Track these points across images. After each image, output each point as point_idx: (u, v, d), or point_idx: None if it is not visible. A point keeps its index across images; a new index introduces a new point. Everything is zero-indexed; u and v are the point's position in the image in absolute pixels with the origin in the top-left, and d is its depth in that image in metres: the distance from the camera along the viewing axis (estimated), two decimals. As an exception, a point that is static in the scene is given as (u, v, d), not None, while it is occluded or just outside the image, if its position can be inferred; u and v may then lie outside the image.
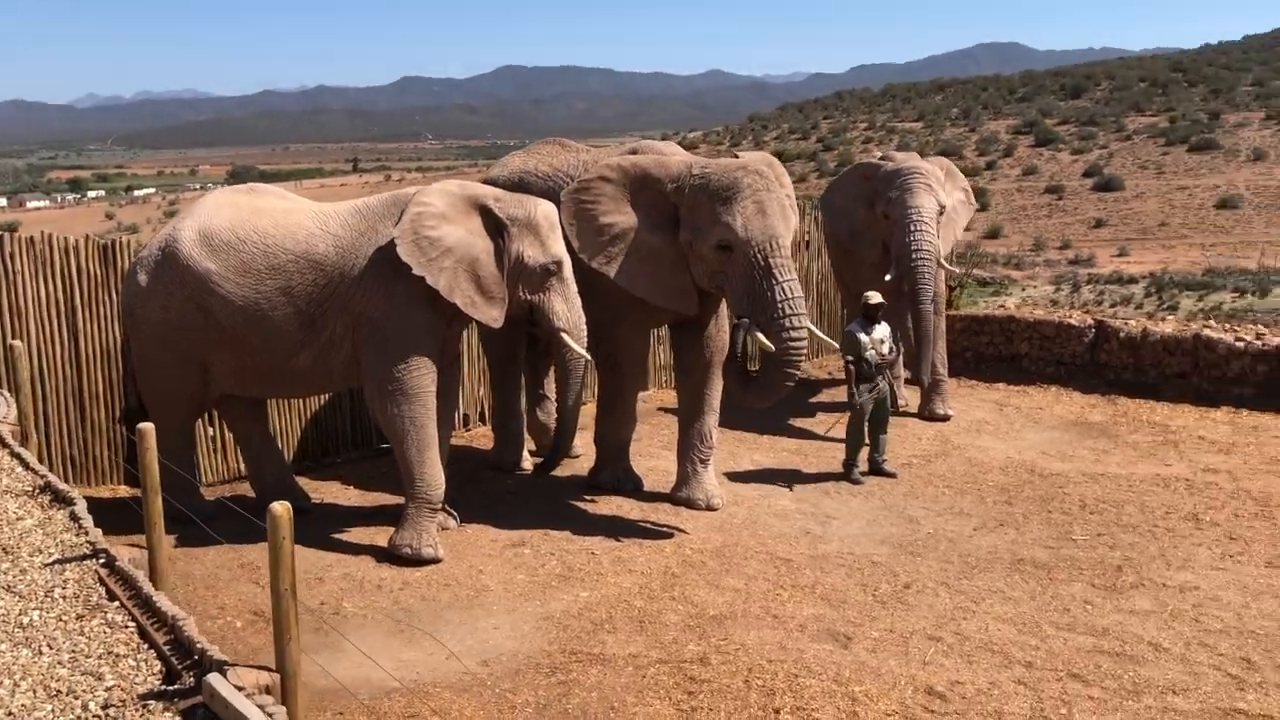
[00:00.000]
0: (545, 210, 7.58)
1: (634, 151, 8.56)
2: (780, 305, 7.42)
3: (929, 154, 13.11)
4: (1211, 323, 12.27)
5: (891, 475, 9.27)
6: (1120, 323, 12.07)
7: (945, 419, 11.01)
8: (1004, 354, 12.66)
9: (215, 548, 7.51)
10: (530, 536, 7.88)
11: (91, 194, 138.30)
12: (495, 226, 7.48)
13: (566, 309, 7.60)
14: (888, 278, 10.64)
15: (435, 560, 7.36)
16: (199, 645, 3.82)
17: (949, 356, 12.29)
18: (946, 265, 10.81)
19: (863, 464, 9.31)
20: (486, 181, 8.84)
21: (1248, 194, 56.36)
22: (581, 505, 8.60)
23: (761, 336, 7.49)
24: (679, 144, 8.51)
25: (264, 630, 6.22)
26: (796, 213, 7.90)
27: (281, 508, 3.79)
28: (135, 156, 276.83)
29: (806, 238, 13.59)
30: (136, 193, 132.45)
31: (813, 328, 7.82)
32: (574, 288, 7.66)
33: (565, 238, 7.77)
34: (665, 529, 8.03)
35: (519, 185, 8.57)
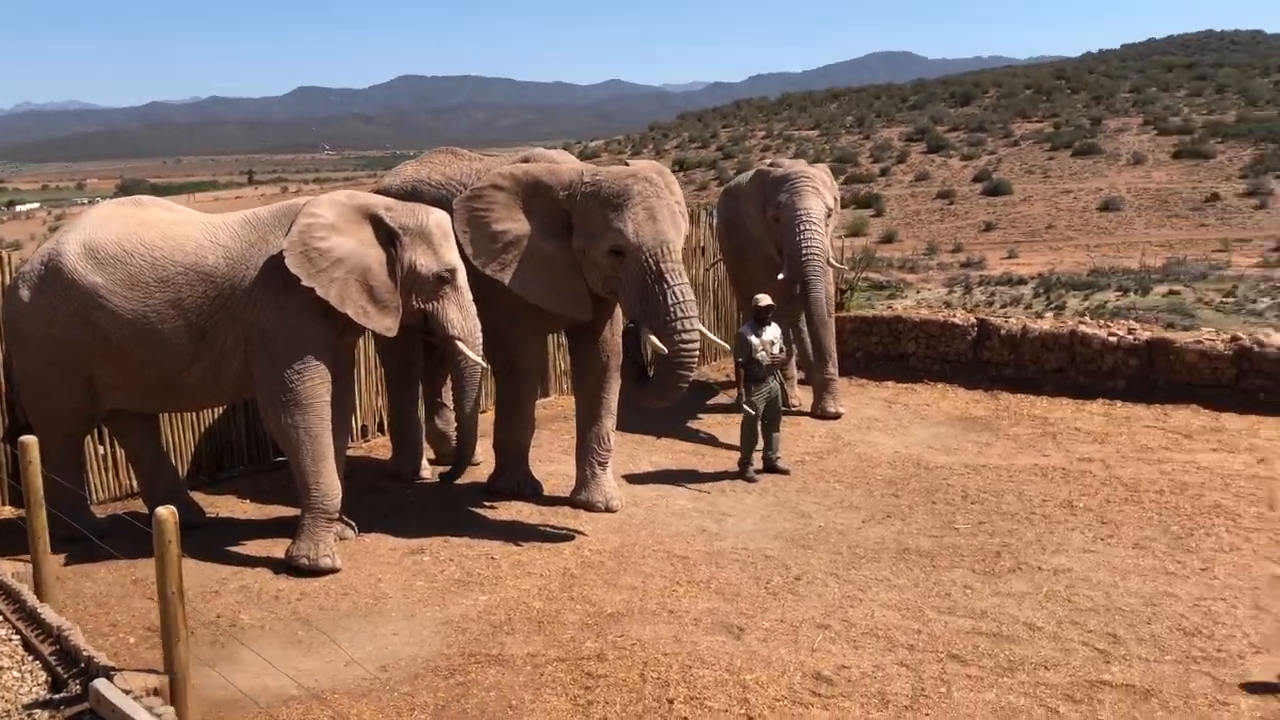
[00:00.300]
0: (438, 219, 7.66)
1: (526, 160, 8.69)
2: (672, 309, 7.61)
3: (825, 161, 13.50)
4: (1086, 319, 12.85)
5: (785, 472, 9.53)
6: (1001, 321, 12.58)
7: (837, 417, 11.34)
8: (892, 353, 13.07)
9: (107, 564, 7.40)
10: (429, 544, 7.93)
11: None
12: (387, 236, 7.53)
13: (461, 317, 7.68)
14: (780, 276, 10.95)
15: (333, 570, 7.37)
16: (85, 653, 3.84)
17: (840, 357, 12.66)
18: (835, 264, 11.15)
19: (758, 462, 9.56)
20: (380, 191, 8.88)
21: (1129, 196, 58.78)
22: (481, 511, 8.67)
23: (654, 339, 7.68)
24: (579, 153, 8.70)
25: (158, 646, 6.07)
26: (686, 219, 8.10)
27: (167, 512, 3.84)
28: (18, 170, 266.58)
29: (703, 244, 13.84)
30: (19, 208, 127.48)
31: (705, 330, 8.04)
32: (468, 295, 7.75)
33: (459, 245, 7.85)
34: (564, 532, 8.15)
35: (412, 194, 8.62)
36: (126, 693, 3.45)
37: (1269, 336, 11.15)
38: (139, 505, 8.59)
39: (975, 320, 12.60)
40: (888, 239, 55.11)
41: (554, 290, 8.04)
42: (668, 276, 7.63)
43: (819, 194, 10.98)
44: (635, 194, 7.69)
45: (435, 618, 6.67)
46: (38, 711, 3.59)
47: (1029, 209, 60.05)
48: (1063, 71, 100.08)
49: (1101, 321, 12.60)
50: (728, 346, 10.23)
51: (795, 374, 12.17)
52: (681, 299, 7.63)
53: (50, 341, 7.48)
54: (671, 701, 5.51)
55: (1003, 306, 30.12)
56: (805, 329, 11.74)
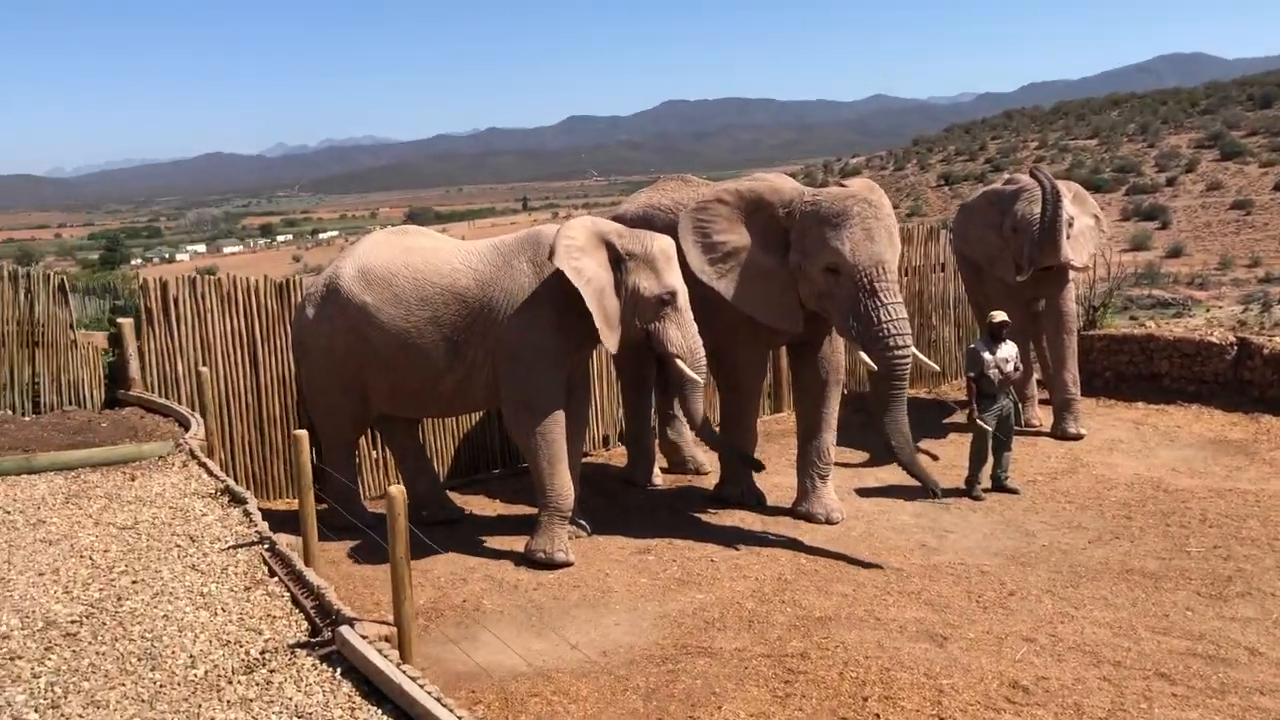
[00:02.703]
0: (661, 245, 8.21)
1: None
2: (885, 325, 7.83)
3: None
4: (1367, 338, 11.86)
5: (1014, 491, 9.44)
6: (1265, 340, 11.83)
7: (1078, 438, 11.05)
8: (1144, 373, 12.53)
9: (375, 552, 8.37)
10: (655, 544, 8.46)
11: (280, 238, 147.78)
12: (616, 260, 8.15)
13: (681, 336, 8.17)
14: (1019, 279, 10.84)
15: (566, 564, 8.03)
16: (335, 607, 4.62)
17: (1088, 376, 12.32)
18: (1074, 265, 10.87)
19: (986, 481, 9.52)
20: (616, 216, 9.56)
21: None
22: (705, 517, 9.14)
23: (865, 356, 7.90)
24: (840, 169, 9.04)
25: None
26: (898, 239, 8.27)
27: (397, 490, 4.58)
28: (320, 202, 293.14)
29: (942, 260, 13.81)
30: (321, 236, 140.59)
31: (916, 352, 8.16)
32: (689, 316, 8.22)
33: (681, 255, 8.35)
34: (783, 539, 8.48)
35: (644, 220, 9.24)
36: (364, 638, 4.17)
37: None
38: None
39: (1235, 339, 11.91)
40: (1174, 253, 51.48)
41: (767, 302, 8.42)
42: (881, 294, 7.85)
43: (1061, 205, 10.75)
44: (854, 214, 7.96)
45: (654, 612, 7.17)
46: (299, 650, 4.43)
47: (1338, 219, 54.59)
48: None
49: (1385, 340, 11.61)
50: (937, 368, 10.25)
51: (1035, 393, 11.95)
52: (894, 316, 7.83)
53: (330, 353, 8.58)
54: (866, 699, 5.74)
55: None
56: (1046, 345, 11.54)
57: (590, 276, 7.98)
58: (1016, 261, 10.97)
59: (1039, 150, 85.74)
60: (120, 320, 9.91)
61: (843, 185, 8.41)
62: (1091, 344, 12.84)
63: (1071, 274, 11.15)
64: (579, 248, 8.04)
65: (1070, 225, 10.84)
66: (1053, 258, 10.59)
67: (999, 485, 9.55)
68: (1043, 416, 11.67)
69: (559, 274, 7.93)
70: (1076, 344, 11.48)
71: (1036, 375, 12.15)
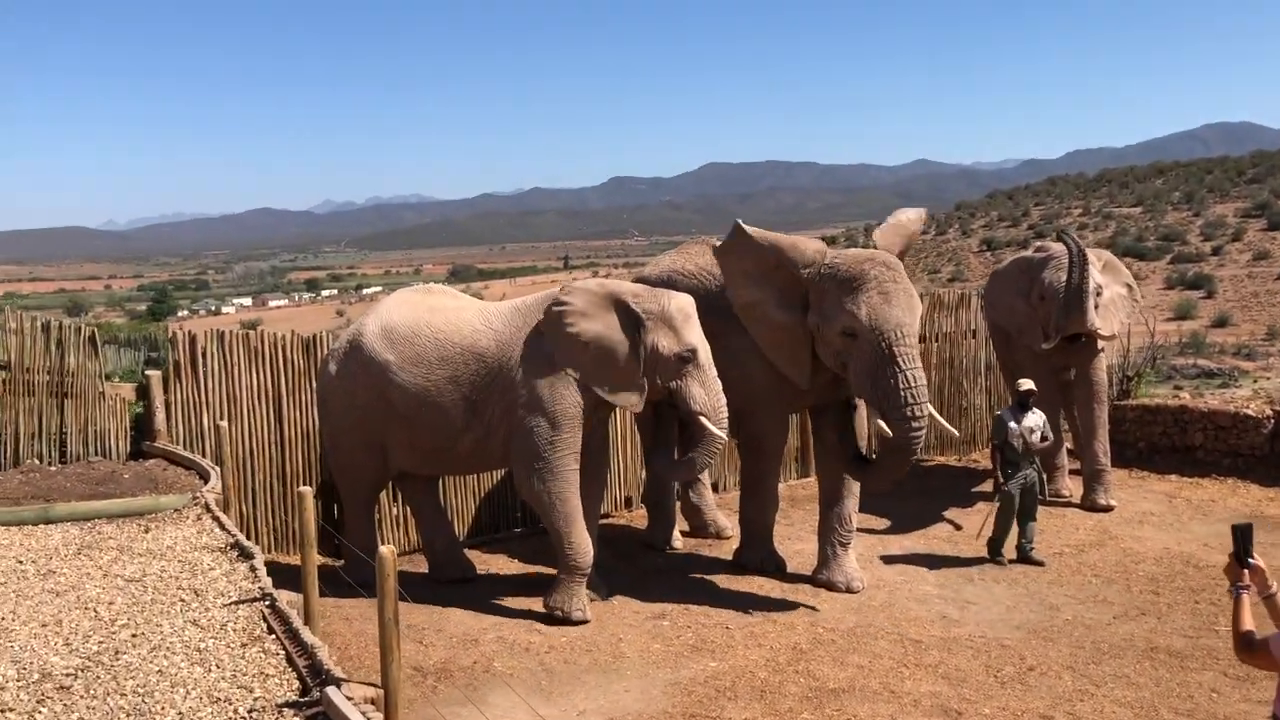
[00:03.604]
0: (680, 303, 8.19)
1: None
2: (902, 393, 7.72)
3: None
4: None
5: (1039, 564, 9.25)
6: (1304, 412, 11.57)
7: (1107, 509, 10.83)
8: (1178, 445, 12.29)
9: (387, 610, 8.31)
10: (670, 610, 8.35)
11: (325, 293, 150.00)
12: (632, 320, 8.14)
13: (704, 393, 8.11)
14: (1045, 346, 10.70)
15: (583, 622, 7.96)
16: (326, 667, 4.58)
17: (1120, 447, 12.11)
18: (1100, 333, 10.69)
19: (1011, 552, 9.35)
20: (639, 279, 9.57)
21: None
22: (723, 583, 9.01)
23: (882, 423, 7.80)
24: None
25: (420, 683, 6.92)
26: (918, 303, 8.17)
27: (387, 550, 4.55)
28: (366, 258, 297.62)
29: (973, 327, 13.71)
30: (365, 291, 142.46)
31: (934, 414, 8.05)
32: (712, 373, 8.17)
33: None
34: (801, 607, 8.33)
35: (667, 283, 9.23)
36: (349, 699, 4.13)
37: None
38: (422, 560, 9.57)
39: (1272, 411, 11.67)
40: (1220, 323, 50.72)
41: (781, 353, 8.42)
42: (899, 360, 7.75)
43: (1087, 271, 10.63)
44: (871, 277, 7.91)
45: (666, 679, 7.05)
46: (286, 710, 4.41)
47: (1390, 290, 53.61)
48: None
49: None
50: (957, 433, 10.11)
51: (1066, 463, 11.74)
52: (912, 384, 7.73)
53: (351, 409, 8.62)
54: (874, 777, 5.59)
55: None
56: (1077, 414, 11.36)
57: (589, 339, 7.99)
58: (1044, 328, 10.86)
59: (1082, 217, 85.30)
60: (149, 373, 10.03)
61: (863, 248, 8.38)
62: (1125, 414, 12.64)
63: (1101, 343, 11.00)
64: (577, 311, 8.06)
65: (1099, 294, 10.71)
66: (1078, 325, 10.46)
67: (1024, 556, 9.37)
68: (1073, 487, 11.46)
69: None
70: (1108, 414, 11.29)
71: (1067, 445, 11.94)
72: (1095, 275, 10.69)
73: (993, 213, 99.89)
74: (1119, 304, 11.26)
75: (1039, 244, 12.10)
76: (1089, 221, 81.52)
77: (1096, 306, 10.54)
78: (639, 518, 11.17)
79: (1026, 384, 9.54)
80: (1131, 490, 11.47)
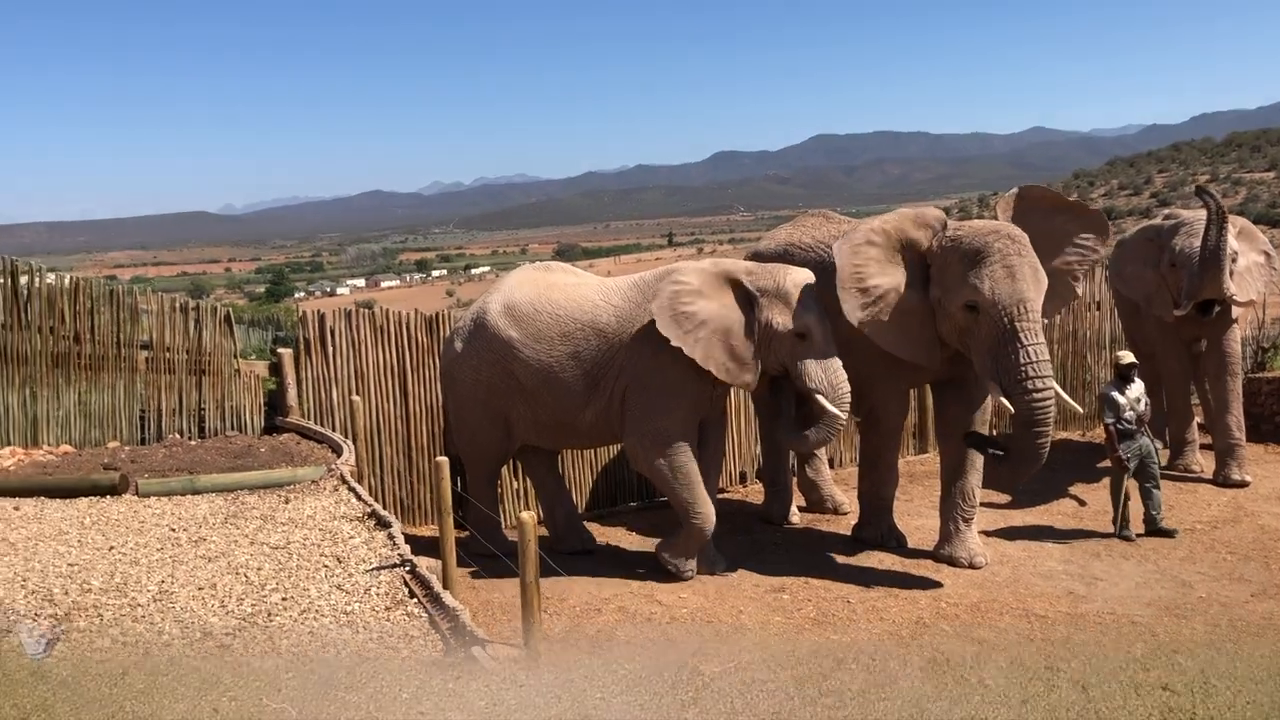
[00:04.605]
0: (795, 279, 8.17)
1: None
2: (1024, 368, 7.54)
3: None
4: None
5: (1169, 534, 9.04)
6: None
7: (1241, 485, 10.48)
8: (1317, 419, 11.83)
9: (513, 580, 8.51)
10: (790, 583, 8.38)
11: (435, 273, 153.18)
12: (746, 298, 8.17)
13: (821, 370, 8.08)
14: (1177, 313, 10.37)
15: (689, 578, 8.24)
16: (469, 629, 4.77)
17: (1257, 420, 11.72)
18: (1236, 299, 10.28)
19: (1138, 525, 9.15)
20: (753, 254, 9.59)
21: None
22: (843, 558, 9.01)
23: (1004, 400, 7.66)
24: (996, 203, 8.82)
25: (548, 650, 7.11)
26: (1043, 276, 7.94)
27: (528, 516, 4.72)
28: (473, 238, 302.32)
29: (1098, 299, 13.35)
30: (473, 271, 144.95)
31: (1059, 390, 7.86)
32: (830, 349, 8.12)
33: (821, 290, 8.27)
34: (924, 582, 8.29)
35: (784, 256, 9.22)
36: (494, 660, 4.33)
37: None
38: (542, 531, 9.77)
39: None
40: (1357, 292, 48.35)
41: (905, 338, 8.17)
42: (1022, 335, 7.58)
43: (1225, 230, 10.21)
44: (995, 250, 7.74)
45: (786, 651, 7.09)
46: (433, 668, 4.62)
47: None
48: None
49: None
50: (1080, 409, 9.89)
51: (1197, 438, 11.37)
52: (1035, 359, 7.53)
53: (475, 385, 8.85)
54: (1002, 751, 5.55)
55: None
56: (1208, 387, 11.00)
57: (706, 318, 8.03)
58: (1175, 297, 10.52)
59: (1210, 184, 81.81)
60: (281, 350, 10.45)
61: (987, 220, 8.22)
62: (1259, 387, 12.19)
63: (1235, 312, 10.61)
64: (692, 290, 8.10)
65: (1234, 260, 10.32)
66: (1214, 289, 10.06)
67: (1153, 528, 9.17)
68: (1204, 462, 11.11)
69: None
70: (1241, 387, 10.90)
71: (1198, 419, 11.57)
72: (1231, 241, 10.29)
73: (1113, 180, 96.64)
74: (1255, 272, 10.83)
75: (1167, 211, 11.71)
76: (1218, 189, 78.30)
77: (1232, 274, 10.16)
78: (754, 493, 11.22)
79: (1128, 356, 9.34)
80: (1267, 465, 11.09)
